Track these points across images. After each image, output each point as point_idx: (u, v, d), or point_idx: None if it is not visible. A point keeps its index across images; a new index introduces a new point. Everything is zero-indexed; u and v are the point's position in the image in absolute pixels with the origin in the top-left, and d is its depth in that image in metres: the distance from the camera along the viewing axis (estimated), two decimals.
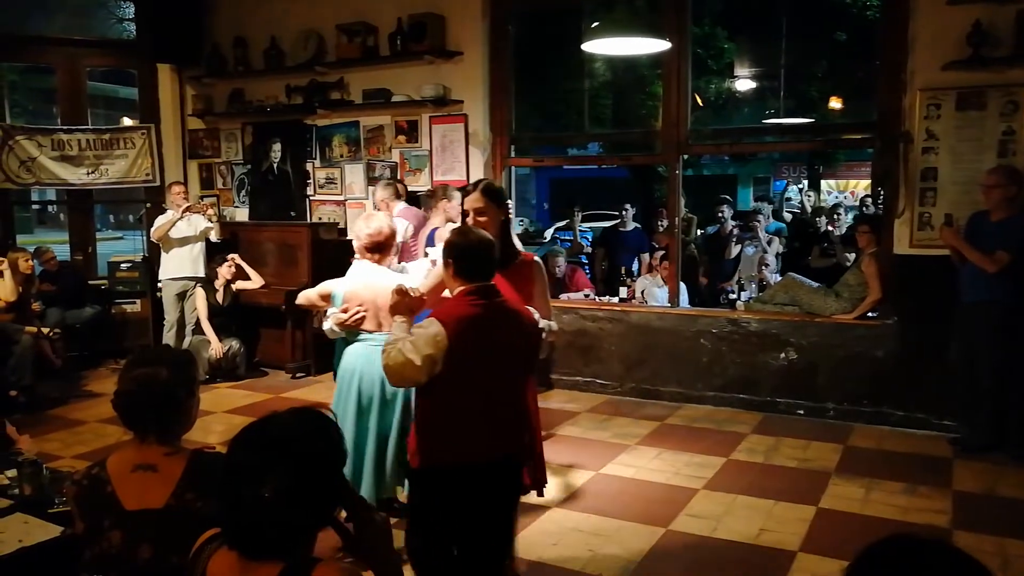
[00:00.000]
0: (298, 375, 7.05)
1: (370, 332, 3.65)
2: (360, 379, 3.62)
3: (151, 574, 1.93)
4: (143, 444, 2.01)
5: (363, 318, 3.61)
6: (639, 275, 7.74)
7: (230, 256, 7.24)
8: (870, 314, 5.82)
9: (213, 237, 7.44)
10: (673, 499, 4.37)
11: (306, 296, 3.93)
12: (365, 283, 3.67)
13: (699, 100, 12.27)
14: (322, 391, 6.49)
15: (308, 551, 1.53)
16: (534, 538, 3.93)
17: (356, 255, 3.83)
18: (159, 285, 7.41)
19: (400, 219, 5.98)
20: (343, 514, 1.63)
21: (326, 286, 3.76)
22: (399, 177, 7.15)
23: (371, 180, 7.40)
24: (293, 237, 7.39)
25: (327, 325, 3.75)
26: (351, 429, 3.56)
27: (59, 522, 2.62)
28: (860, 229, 6.21)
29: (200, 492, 1.96)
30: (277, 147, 7.92)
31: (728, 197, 9.53)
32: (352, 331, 3.66)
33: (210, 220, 7.37)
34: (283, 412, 1.66)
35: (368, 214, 4.01)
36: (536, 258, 3.44)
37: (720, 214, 8.71)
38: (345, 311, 3.60)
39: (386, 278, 3.62)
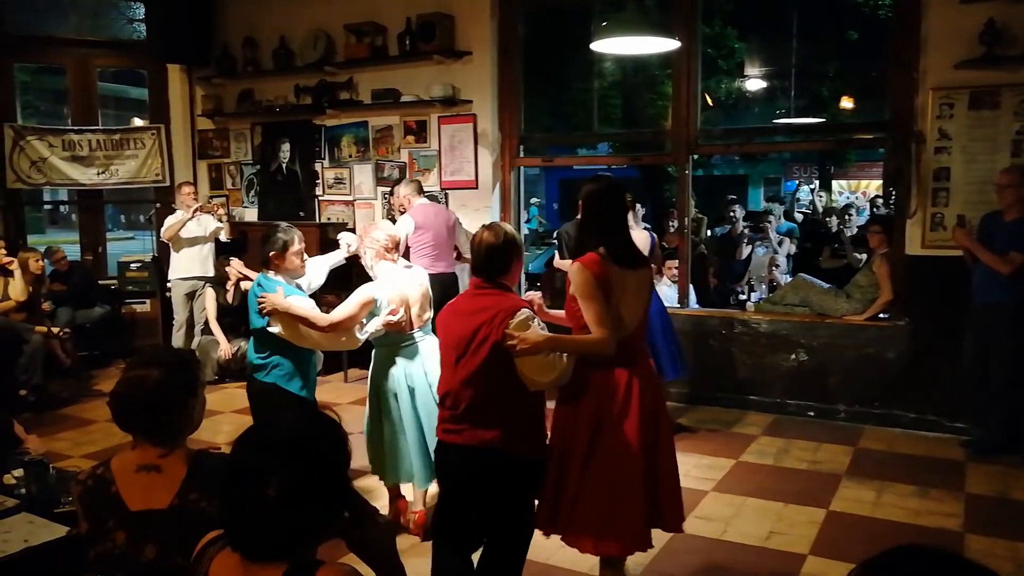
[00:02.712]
0: None
1: (407, 332, 3.84)
2: (409, 377, 3.83)
3: (155, 574, 1.92)
4: (140, 446, 2.00)
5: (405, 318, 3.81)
6: None
7: (231, 261, 7.25)
8: (881, 315, 5.77)
9: (223, 237, 7.45)
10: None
11: (347, 313, 3.66)
12: (395, 284, 3.82)
13: (709, 100, 12.22)
14: (329, 391, 6.49)
15: (312, 553, 1.52)
16: (542, 540, 3.90)
17: (372, 259, 3.89)
18: (168, 285, 7.43)
19: (406, 217, 6.03)
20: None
21: (366, 294, 3.72)
22: (408, 178, 7.15)
23: (380, 180, 7.41)
24: None
25: (370, 329, 3.74)
26: (413, 426, 3.84)
27: (65, 522, 2.62)
28: (872, 229, 6.16)
29: (205, 493, 1.95)
30: (286, 147, 7.93)
31: (736, 197, 9.49)
32: (392, 333, 3.81)
33: (220, 220, 7.38)
34: (288, 413, 1.64)
35: (372, 223, 4.16)
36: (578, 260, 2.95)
37: (731, 214, 8.67)
38: (394, 313, 3.73)
39: (409, 275, 3.91)
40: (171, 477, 1.97)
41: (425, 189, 7.06)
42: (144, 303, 7.97)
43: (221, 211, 7.50)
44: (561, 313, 3.06)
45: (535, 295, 3.08)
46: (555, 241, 14.00)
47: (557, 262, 6.05)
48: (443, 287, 6.01)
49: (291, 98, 7.68)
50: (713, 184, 19.15)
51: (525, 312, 2.73)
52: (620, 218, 2.99)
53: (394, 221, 6.63)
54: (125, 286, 7.96)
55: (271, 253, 3.79)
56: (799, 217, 10.93)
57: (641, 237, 5.40)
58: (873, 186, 18.31)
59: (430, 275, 5.95)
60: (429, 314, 3.91)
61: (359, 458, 4.68)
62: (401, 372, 3.83)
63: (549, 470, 2.89)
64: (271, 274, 3.81)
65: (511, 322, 2.68)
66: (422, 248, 6.05)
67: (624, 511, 2.82)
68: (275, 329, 3.70)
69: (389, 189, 7.11)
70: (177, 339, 7.27)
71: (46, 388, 6.43)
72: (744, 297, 7.07)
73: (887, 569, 1.03)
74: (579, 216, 3.03)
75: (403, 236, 6.00)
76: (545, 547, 3.82)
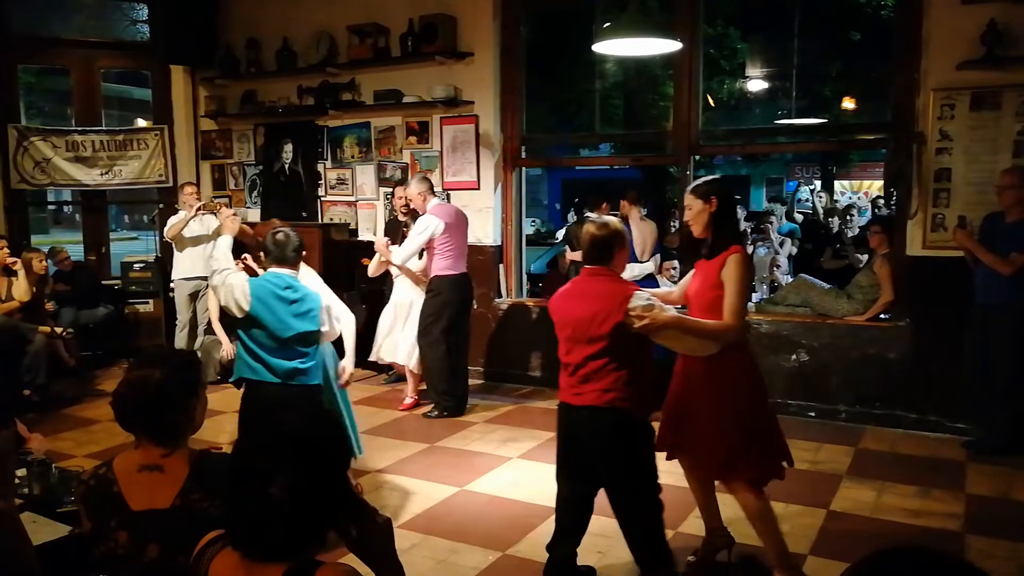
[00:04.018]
0: None
1: None
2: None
3: (158, 574, 1.93)
4: (142, 446, 2.02)
5: None
6: None
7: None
8: (882, 316, 5.78)
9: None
10: (682, 502, 4.33)
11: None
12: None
13: (711, 100, 12.22)
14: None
15: (315, 552, 1.53)
16: (543, 539, 3.90)
17: (293, 265, 3.90)
18: (172, 285, 7.45)
19: (430, 217, 5.90)
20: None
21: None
22: (420, 174, 7.14)
23: (382, 181, 7.42)
24: (304, 238, 7.30)
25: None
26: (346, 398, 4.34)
27: (68, 522, 2.64)
28: (872, 230, 6.17)
29: (207, 493, 1.96)
30: (289, 148, 7.95)
31: (738, 198, 9.49)
32: None
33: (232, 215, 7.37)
34: (291, 412, 1.66)
35: (282, 230, 4.05)
36: (736, 251, 3.27)
37: None
38: None
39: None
40: (173, 477, 1.98)
41: None
42: (147, 303, 7.98)
43: (226, 211, 7.47)
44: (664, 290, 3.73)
45: None
46: (556, 241, 14.05)
47: (571, 254, 6.10)
48: (460, 288, 5.99)
49: (294, 99, 7.69)
50: None
51: (644, 294, 3.10)
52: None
53: (395, 221, 6.65)
54: (128, 286, 7.98)
55: (304, 252, 3.89)
56: (799, 217, 10.95)
57: (648, 228, 5.60)
58: (875, 186, 18.31)
59: (451, 276, 5.96)
60: None
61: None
62: (331, 351, 4.25)
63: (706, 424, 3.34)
64: (294, 273, 3.83)
65: (635, 305, 3.02)
66: (447, 250, 5.90)
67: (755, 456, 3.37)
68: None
69: (391, 190, 7.12)
70: (180, 339, 7.29)
71: (49, 388, 6.44)
72: None
73: (879, 569, 1.03)
74: (714, 211, 3.28)
75: (428, 236, 5.84)
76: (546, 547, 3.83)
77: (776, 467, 3.42)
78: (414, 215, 6.13)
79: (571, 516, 3.41)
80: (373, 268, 6.20)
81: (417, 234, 5.84)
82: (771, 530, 3.38)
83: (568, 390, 3.23)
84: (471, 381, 6.87)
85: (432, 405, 6.07)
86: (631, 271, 5.67)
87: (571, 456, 3.32)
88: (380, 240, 6.11)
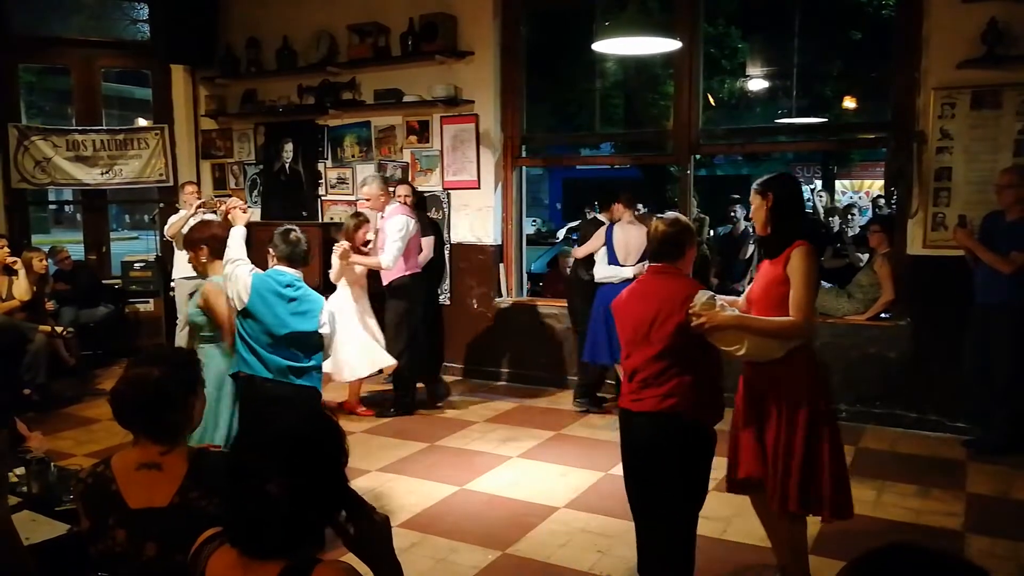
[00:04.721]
0: None
1: None
2: None
3: (156, 572, 1.93)
4: (140, 444, 2.02)
5: None
6: None
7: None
8: (883, 315, 5.78)
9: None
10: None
11: None
12: None
13: (711, 100, 12.22)
14: (330, 390, 6.49)
15: (315, 551, 1.53)
16: (542, 538, 3.92)
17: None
18: (172, 284, 7.45)
19: (403, 218, 5.85)
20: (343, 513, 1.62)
21: None
22: (411, 178, 7.15)
23: (383, 181, 7.41)
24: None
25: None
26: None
27: (66, 520, 2.64)
28: (872, 229, 6.18)
29: (205, 491, 1.96)
30: (289, 147, 7.95)
31: (738, 197, 9.48)
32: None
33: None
34: (288, 410, 1.66)
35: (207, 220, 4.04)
36: (800, 245, 3.08)
37: (732, 214, 8.69)
38: None
39: None
40: (171, 475, 1.98)
41: (426, 190, 7.06)
42: (148, 302, 7.98)
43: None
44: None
45: None
46: (557, 240, 14.07)
47: (577, 251, 6.11)
48: (426, 284, 6.09)
49: (294, 98, 7.69)
50: (715, 184, 19.15)
51: (707, 293, 2.93)
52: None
53: None
54: (129, 286, 7.98)
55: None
56: None
57: (636, 232, 5.58)
58: (876, 186, 18.27)
59: (418, 273, 5.95)
60: None
61: (355, 456, 4.71)
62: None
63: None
64: (298, 274, 3.82)
65: (696, 303, 2.88)
66: (414, 249, 5.94)
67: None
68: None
69: (393, 189, 7.10)
70: (180, 338, 7.26)
71: (50, 387, 6.45)
72: None
73: (876, 567, 1.03)
74: (771, 207, 3.13)
75: (408, 236, 5.79)
76: (546, 544, 3.84)
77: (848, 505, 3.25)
78: (358, 216, 6.03)
79: (648, 532, 3.19)
80: (335, 274, 5.94)
81: (399, 235, 5.74)
82: (798, 552, 3.28)
83: (627, 396, 3.07)
84: (471, 380, 6.88)
85: (391, 406, 6.07)
86: (607, 272, 5.67)
87: (633, 466, 3.12)
88: (341, 246, 5.85)
